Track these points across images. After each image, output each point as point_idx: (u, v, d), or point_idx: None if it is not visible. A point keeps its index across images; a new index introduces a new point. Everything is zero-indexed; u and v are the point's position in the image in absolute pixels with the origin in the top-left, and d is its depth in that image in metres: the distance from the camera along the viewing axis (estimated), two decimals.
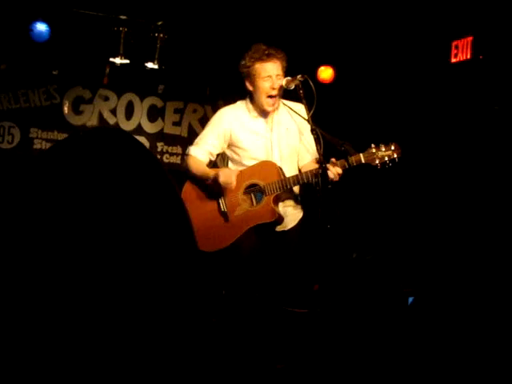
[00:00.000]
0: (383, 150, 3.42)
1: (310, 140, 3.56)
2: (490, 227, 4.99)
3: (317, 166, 3.45)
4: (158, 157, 6.63)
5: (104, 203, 0.78)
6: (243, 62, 3.59)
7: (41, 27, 5.77)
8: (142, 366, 0.81)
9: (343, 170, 3.39)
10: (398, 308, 4.61)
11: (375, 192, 6.32)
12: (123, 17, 6.00)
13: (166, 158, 6.63)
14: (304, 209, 3.77)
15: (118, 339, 0.78)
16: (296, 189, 3.67)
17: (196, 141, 3.74)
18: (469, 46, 5.36)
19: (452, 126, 5.58)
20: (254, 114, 3.63)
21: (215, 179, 3.51)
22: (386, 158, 3.42)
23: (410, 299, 4.37)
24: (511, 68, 5.07)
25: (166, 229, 0.81)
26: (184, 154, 3.84)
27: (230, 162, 3.73)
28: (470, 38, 5.36)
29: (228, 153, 3.71)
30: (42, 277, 0.76)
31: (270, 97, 3.52)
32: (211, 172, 3.56)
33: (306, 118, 3.41)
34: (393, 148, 3.44)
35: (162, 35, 6.12)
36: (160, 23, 6.10)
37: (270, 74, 3.50)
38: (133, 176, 0.81)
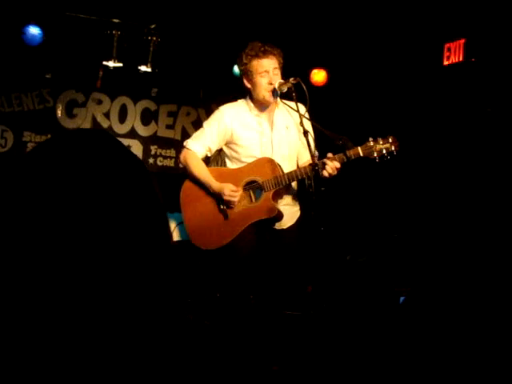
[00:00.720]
0: (381, 142, 3.42)
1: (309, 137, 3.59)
2: (483, 228, 5.01)
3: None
4: (152, 160, 6.63)
5: (81, 203, 0.78)
6: (240, 61, 3.60)
7: (33, 31, 5.75)
8: (130, 367, 0.81)
9: (342, 164, 3.38)
10: (391, 309, 4.62)
11: (368, 194, 6.34)
12: (116, 20, 6.00)
13: (160, 161, 6.62)
14: (301, 209, 3.77)
15: (99, 340, 0.78)
16: (294, 187, 3.67)
17: (195, 134, 3.72)
18: (461, 49, 5.38)
19: (445, 128, 5.60)
20: (255, 111, 3.63)
21: (219, 193, 3.50)
22: (384, 151, 3.41)
23: (402, 299, 4.38)
24: (503, 70, 5.09)
25: (143, 229, 0.81)
26: (182, 147, 3.76)
27: (227, 160, 3.71)
28: (462, 41, 5.38)
29: (226, 150, 3.69)
30: (27, 278, 0.76)
31: (274, 91, 3.53)
32: (215, 184, 3.54)
33: (304, 115, 3.42)
34: (390, 141, 3.44)
35: (155, 38, 6.12)
36: (153, 26, 6.10)
37: (266, 69, 3.52)
38: (113, 176, 0.81)
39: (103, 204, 0.78)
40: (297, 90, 3.45)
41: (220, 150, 3.75)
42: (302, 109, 3.52)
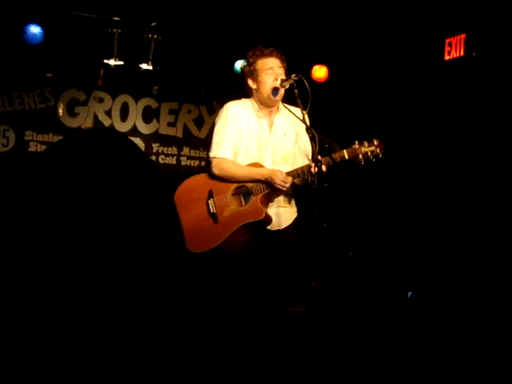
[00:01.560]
0: (366, 145, 3.50)
1: (306, 144, 3.62)
2: (483, 222, 5.01)
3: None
4: (154, 158, 6.62)
5: (98, 204, 0.78)
6: (245, 61, 3.63)
7: (34, 30, 5.75)
8: (137, 367, 0.81)
9: (328, 167, 3.42)
10: (397, 304, 4.62)
11: (370, 190, 6.34)
12: (117, 18, 5.99)
13: (162, 159, 6.62)
14: (298, 209, 3.78)
15: (108, 340, 0.78)
16: (289, 193, 3.68)
17: (217, 142, 3.63)
18: (462, 44, 5.37)
19: (446, 123, 5.60)
20: (260, 113, 3.65)
21: (269, 178, 3.48)
22: (370, 154, 3.49)
23: (409, 294, 4.38)
24: (504, 65, 5.09)
25: (156, 229, 0.82)
26: (209, 161, 3.71)
27: None
28: (463, 36, 5.37)
29: None
30: (36, 278, 0.76)
31: (275, 89, 3.54)
32: (264, 169, 3.52)
33: (302, 119, 3.44)
34: (376, 143, 3.51)
35: (155, 36, 6.12)
36: (154, 24, 6.10)
37: (271, 66, 3.55)
38: (127, 177, 0.82)
39: (116, 204, 0.78)
40: (298, 87, 3.46)
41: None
42: (299, 113, 3.56)
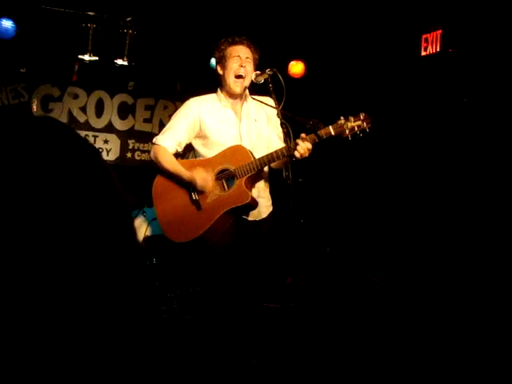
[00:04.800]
0: (352, 120, 3.38)
1: (278, 126, 3.59)
2: (460, 215, 5.04)
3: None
4: (130, 154, 6.57)
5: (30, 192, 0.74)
6: (217, 47, 3.62)
7: (6, 24, 5.66)
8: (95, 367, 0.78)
9: (313, 145, 3.35)
10: (369, 299, 4.63)
11: (347, 186, 6.35)
12: (91, 13, 5.92)
13: (138, 156, 6.56)
14: (274, 204, 3.74)
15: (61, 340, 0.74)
16: (267, 182, 3.65)
17: (164, 130, 3.66)
18: (438, 39, 5.40)
19: (422, 118, 5.62)
20: (224, 102, 3.61)
21: (191, 182, 3.47)
22: (356, 129, 3.37)
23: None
24: (480, 61, 5.12)
25: (100, 216, 0.77)
26: (152, 144, 3.73)
27: (196, 154, 3.70)
28: (439, 31, 5.40)
29: (194, 144, 3.67)
30: None
31: (238, 77, 3.51)
32: (186, 173, 3.51)
33: (275, 107, 3.40)
34: (362, 118, 3.40)
35: (131, 31, 6.05)
36: (129, 19, 6.03)
37: (239, 53, 3.55)
38: (61, 163, 0.77)
39: (55, 196, 0.74)
40: (273, 82, 3.42)
41: (191, 149, 3.72)
42: (271, 102, 3.50)
